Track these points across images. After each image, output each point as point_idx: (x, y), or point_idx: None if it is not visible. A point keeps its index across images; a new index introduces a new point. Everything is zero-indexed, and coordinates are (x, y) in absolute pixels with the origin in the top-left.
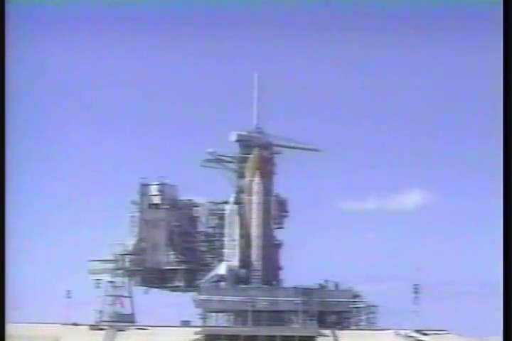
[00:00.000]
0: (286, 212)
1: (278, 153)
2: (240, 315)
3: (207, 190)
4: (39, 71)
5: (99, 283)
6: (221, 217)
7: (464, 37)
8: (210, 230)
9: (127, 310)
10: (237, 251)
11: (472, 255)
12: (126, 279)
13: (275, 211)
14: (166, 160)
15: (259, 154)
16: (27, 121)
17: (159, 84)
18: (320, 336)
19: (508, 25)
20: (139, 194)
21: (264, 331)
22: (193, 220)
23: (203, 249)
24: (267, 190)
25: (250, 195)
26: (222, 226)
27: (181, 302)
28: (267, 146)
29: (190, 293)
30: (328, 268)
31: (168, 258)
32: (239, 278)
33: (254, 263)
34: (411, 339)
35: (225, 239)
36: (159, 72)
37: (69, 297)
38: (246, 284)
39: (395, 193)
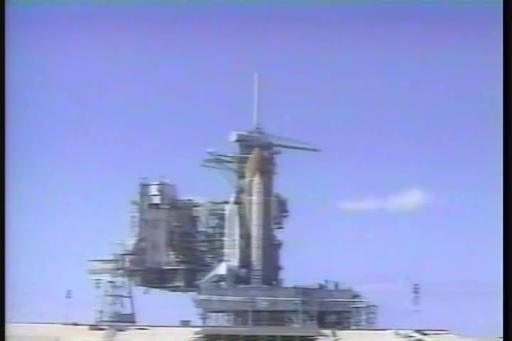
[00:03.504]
0: (286, 212)
1: (278, 153)
2: (239, 315)
3: (207, 190)
4: (39, 71)
5: (99, 283)
6: (221, 217)
7: (464, 36)
8: (210, 230)
9: (127, 310)
10: (237, 251)
11: (472, 255)
12: (126, 279)
13: (275, 211)
14: (166, 160)
15: (259, 154)
16: (27, 120)
17: (159, 84)
18: (320, 336)
19: (508, 25)
20: (139, 194)
21: (264, 331)
22: (193, 220)
23: (203, 249)
24: (267, 190)
25: (250, 195)
26: (222, 226)
27: (181, 303)
28: (267, 146)
29: (190, 293)
30: (328, 268)
31: (168, 258)
32: (239, 278)
33: (254, 263)
34: (411, 339)
35: (225, 239)
36: (159, 71)
37: (69, 297)
38: (246, 284)
39: (395, 193)
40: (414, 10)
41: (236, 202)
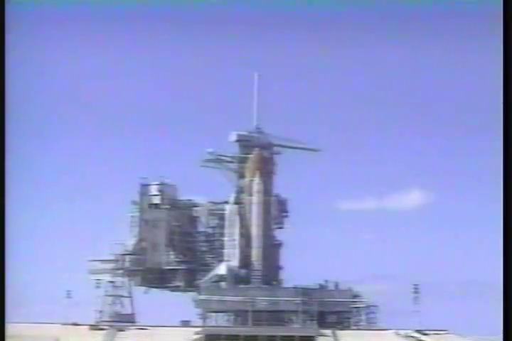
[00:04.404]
0: (286, 212)
1: (278, 153)
2: (239, 315)
3: (207, 190)
4: (39, 71)
5: (99, 283)
6: (221, 217)
7: (464, 36)
8: (210, 230)
9: (127, 310)
10: (237, 251)
11: (472, 255)
12: (126, 279)
13: (275, 211)
14: (166, 160)
15: (259, 154)
16: (27, 120)
17: (159, 84)
18: (320, 336)
19: (508, 25)
20: (139, 194)
21: (264, 331)
22: (193, 220)
23: (203, 249)
24: (267, 190)
25: (250, 195)
26: (222, 226)
27: (181, 303)
28: (267, 146)
29: (190, 293)
30: (328, 268)
31: (168, 258)
32: (239, 278)
33: (254, 263)
34: (411, 339)
35: (225, 239)
36: (159, 71)
37: (69, 297)
38: (246, 284)
39: (394, 193)
40: (413, 10)
41: (236, 202)
